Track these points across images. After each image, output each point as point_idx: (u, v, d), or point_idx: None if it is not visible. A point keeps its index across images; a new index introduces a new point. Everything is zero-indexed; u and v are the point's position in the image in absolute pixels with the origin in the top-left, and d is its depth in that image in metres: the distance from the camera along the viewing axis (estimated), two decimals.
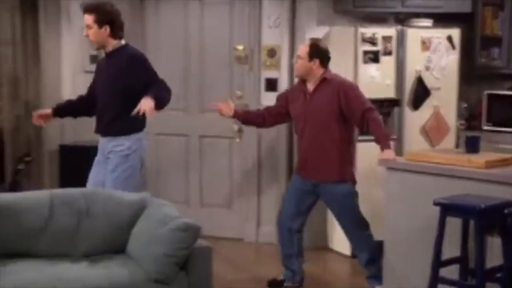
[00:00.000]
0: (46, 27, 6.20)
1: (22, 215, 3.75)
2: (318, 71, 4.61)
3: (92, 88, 4.63)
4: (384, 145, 4.54)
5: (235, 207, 6.13)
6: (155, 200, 4.06)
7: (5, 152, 6.69)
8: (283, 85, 5.82)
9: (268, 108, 4.94)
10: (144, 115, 4.12)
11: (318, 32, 5.72)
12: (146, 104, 4.12)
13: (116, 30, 4.39)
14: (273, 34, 5.85)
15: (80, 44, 6.01)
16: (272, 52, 5.89)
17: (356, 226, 4.69)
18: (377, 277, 4.65)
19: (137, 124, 4.38)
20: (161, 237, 3.65)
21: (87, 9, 4.38)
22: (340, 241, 5.62)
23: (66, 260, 3.70)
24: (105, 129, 4.43)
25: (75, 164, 5.50)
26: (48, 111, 4.68)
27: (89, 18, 4.35)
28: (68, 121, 5.11)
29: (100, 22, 4.33)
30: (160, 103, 4.24)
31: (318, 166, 4.65)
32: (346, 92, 4.56)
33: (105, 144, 4.46)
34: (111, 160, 4.40)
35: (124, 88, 4.30)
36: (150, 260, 3.62)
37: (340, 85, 4.60)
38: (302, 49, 4.66)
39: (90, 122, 4.62)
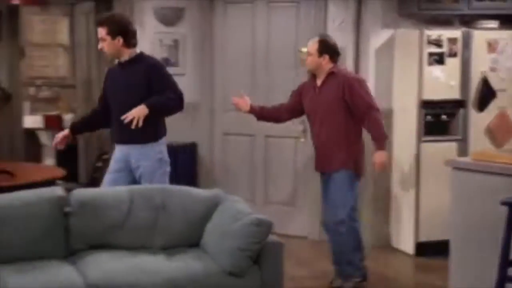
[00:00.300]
0: None
1: (103, 210, 3.90)
2: (328, 66, 4.65)
3: (103, 98, 4.55)
4: (378, 146, 4.55)
5: (299, 205, 6.23)
6: (227, 197, 4.19)
7: (79, 153, 6.97)
8: None
9: (283, 104, 4.98)
10: (131, 122, 4.15)
11: (383, 35, 5.81)
12: (137, 112, 4.17)
13: (129, 39, 4.35)
14: (338, 38, 5.79)
15: (153, 47, 6.14)
16: None
17: (337, 215, 4.59)
18: (355, 267, 4.69)
19: (162, 128, 4.44)
20: (235, 232, 3.79)
21: (99, 22, 4.38)
22: (403, 240, 5.71)
23: (144, 253, 3.86)
24: (131, 138, 4.33)
25: None
26: (66, 132, 4.59)
27: (102, 31, 4.32)
28: None
29: (112, 34, 4.30)
30: (161, 111, 4.31)
31: (325, 159, 4.67)
32: (350, 86, 4.56)
33: (131, 151, 4.40)
34: (144, 167, 4.37)
35: (146, 97, 4.25)
36: (224, 254, 3.76)
37: (345, 78, 4.60)
38: (311, 45, 4.69)
39: None
